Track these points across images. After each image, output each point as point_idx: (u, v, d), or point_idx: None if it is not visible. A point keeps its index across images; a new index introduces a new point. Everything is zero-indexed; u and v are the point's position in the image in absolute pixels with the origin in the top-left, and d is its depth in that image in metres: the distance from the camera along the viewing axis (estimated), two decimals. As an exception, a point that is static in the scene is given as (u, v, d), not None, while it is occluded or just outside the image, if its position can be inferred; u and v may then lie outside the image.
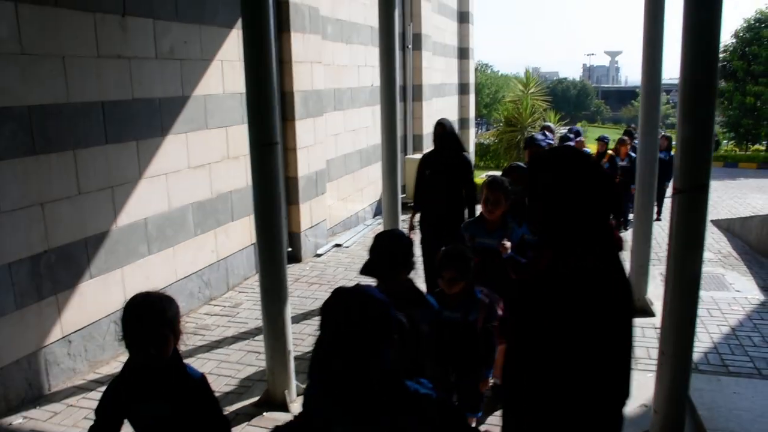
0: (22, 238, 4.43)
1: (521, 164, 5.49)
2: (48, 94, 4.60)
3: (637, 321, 5.72)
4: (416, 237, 6.00)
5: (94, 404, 2.17)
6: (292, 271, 7.30)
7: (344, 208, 9.99)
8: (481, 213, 4.32)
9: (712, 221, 8.74)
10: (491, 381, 4.11)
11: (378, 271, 2.99)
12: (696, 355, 4.76)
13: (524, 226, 4.08)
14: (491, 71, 54.08)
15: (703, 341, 5.46)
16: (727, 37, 29.09)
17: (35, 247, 4.53)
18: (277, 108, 4.44)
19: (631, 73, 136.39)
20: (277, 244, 4.29)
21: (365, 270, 3.01)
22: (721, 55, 22.29)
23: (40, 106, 4.53)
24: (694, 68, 3.36)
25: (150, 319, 2.20)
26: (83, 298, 4.97)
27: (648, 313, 5.96)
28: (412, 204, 6.32)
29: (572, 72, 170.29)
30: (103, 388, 2.24)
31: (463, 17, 17.47)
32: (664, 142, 10.75)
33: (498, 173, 5.06)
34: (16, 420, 4.29)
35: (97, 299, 5.11)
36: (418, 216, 6.23)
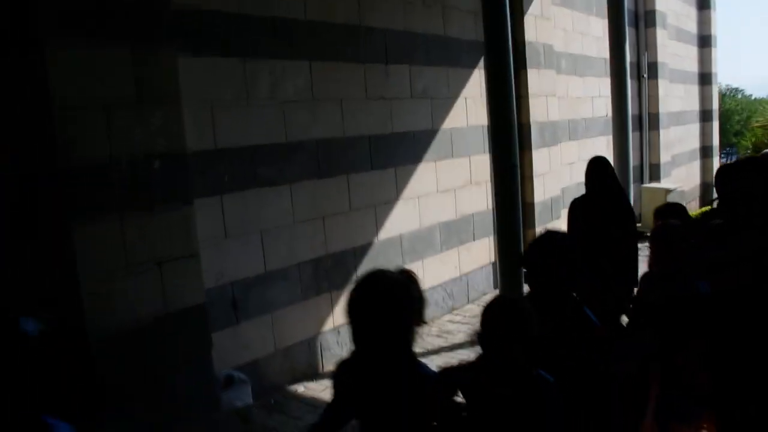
0: (308, 244, 5.54)
1: (677, 203, 4.83)
2: (329, 129, 5.71)
3: None
4: None
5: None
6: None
7: (577, 234, 10.25)
8: None
9: None
10: None
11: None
12: None
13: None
14: (742, 96, 49.66)
15: None
16: None
17: (317, 252, 5.62)
18: (516, 135, 5.08)
19: None
20: (516, 257, 4.88)
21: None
22: None
23: (324, 140, 5.65)
24: None
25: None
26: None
27: None
28: None
29: None
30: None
31: (705, 41, 16.76)
32: None
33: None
34: (300, 388, 5.36)
35: (361, 300, 6.09)
36: None
